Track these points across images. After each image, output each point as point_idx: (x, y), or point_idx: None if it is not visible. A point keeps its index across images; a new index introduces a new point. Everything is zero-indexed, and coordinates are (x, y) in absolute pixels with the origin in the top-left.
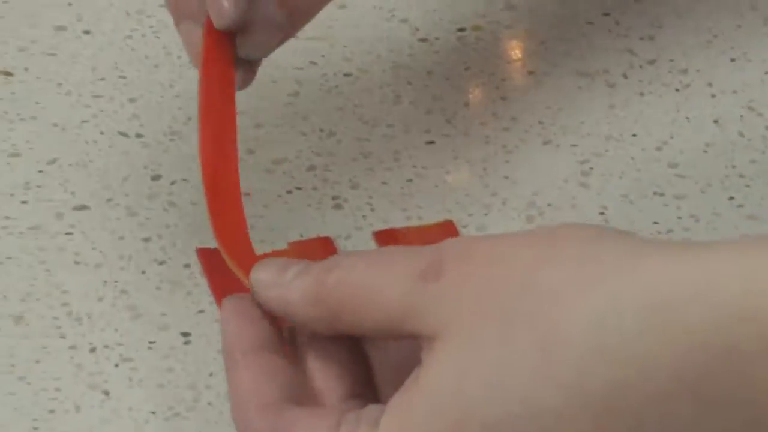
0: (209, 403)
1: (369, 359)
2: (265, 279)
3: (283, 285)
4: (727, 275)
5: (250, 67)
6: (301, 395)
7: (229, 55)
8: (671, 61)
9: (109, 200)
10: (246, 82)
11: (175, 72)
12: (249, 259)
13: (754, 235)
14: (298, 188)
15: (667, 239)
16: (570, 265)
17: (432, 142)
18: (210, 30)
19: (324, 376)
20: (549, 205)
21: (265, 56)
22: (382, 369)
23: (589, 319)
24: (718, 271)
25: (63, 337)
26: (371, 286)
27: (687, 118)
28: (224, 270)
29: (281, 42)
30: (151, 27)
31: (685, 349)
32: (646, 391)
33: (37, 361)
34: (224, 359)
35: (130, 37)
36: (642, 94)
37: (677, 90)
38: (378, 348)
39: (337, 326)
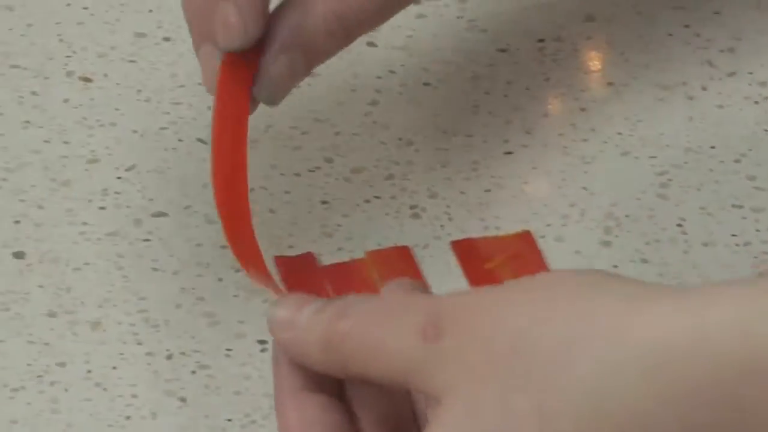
0: None
1: (412, 397)
2: (281, 318)
3: (297, 327)
4: (725, 325)
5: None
6: None
7: (245, 82)
8: (750, 73)
9: (187, 207)
10: (251, 109)
11: None
12: (267, 279)
13: (750, 277)
14: (377, 197)
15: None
16: (564, 325)
17: (510, 153)
18: (228, 55)
19: (367, 418)
20: (627, 216)
21: (279, 102)
22: (422, 407)
23: (586, 383)
24: (715, 322)
25: (140, 343)
26: (374, 338)
27: (766, 130)
28: (301, 278)
29: (296, 84)
30: None
31: (689, 406)
32: None
33: (114, 368)
34: (274, 398)
35: None
36: (721, 107)
37: (756, 102)
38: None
39: (348, 373)
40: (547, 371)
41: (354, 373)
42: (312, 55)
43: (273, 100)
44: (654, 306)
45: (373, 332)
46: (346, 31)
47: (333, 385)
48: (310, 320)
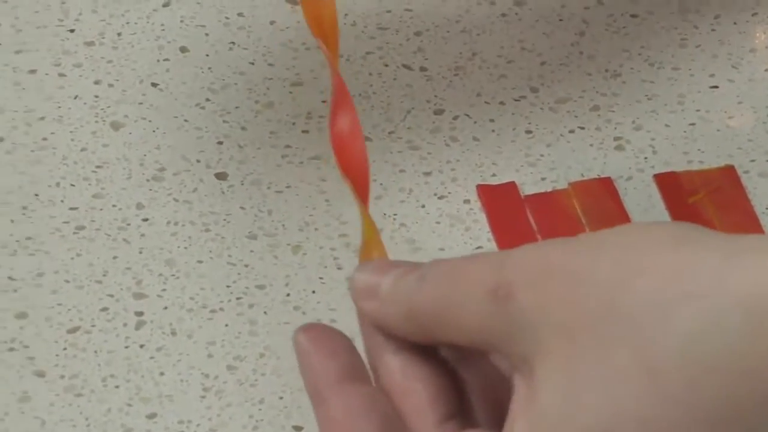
0: None
1: (458, 375)
2: (363, 284)
3: (379, 296)
4: None
5: None
6: (397, 425)
7: None
8: None
9: (390, 133)
10: None
11: (462, 7)
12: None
13: None
14: (581, 128)
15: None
16: (660, 279)
17: (716, 87)
18: None
19: (416, 401)
20: None
21: None
22: (473, 384)
23: (689, 336)
24: None
25: (340, 268)
26: (450, 304)
27: None
28: (503, 207)
29: None
30: None
31: None
32: (757, 398)
33: (314, 291)
34: (309, 395)
35: None
36: None
37: None
38: (467, 363)
39: (434, 339)
40: (648, 326)
41: (441, 339)
42: None
43: None
44: (751, 257)
45: (448, 297)
46: None
47: (366, 375)
48: (392, 289)
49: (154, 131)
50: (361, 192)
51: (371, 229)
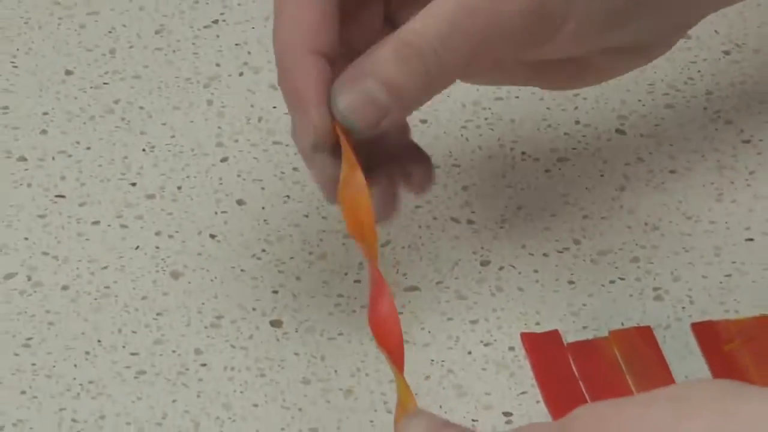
0: None
1: None
2: None
3: None
4: None
5: (387, 197)
6: None
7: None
8: None
9: (438, 283)
10: (386, 213)
11: (507, 163)
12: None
13: None
14: (622, 278)
15: None
16: (709, 423)
17: (752, 239)
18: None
19: None
20: None
21: (364, 133)
22: None
23: None
24: None
25: (390, 411)
26: None
27: None
28: (546, 354)
29: (383, 125)
30: (486, 119)
31: None
32: None
33: None
34: None
35: (464, 127)
36: None
37: None
38: None
39: None
40: None
41: None
42: (391, 87)
43: (359, 131)
44: None
45: None
46: (421, 59)
47: None
48: None
49: (212, 280)
50: (397, 365)
51: (406, 392)
